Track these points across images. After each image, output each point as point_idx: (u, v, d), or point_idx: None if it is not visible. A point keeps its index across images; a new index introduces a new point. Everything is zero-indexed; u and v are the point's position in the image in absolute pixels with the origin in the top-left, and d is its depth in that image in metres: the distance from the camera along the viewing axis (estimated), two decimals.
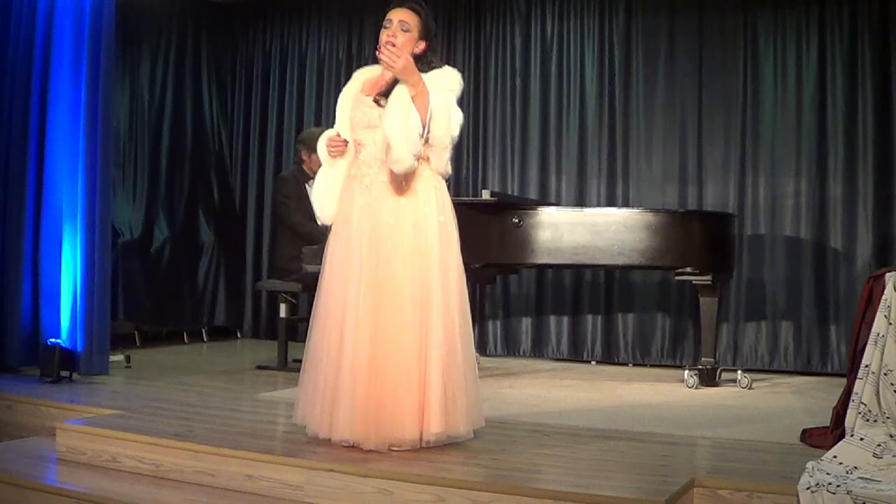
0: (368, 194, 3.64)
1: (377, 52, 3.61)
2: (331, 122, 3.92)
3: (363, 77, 3.84)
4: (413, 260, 3.57)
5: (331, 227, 3.81)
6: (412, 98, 3.56)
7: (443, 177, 3.71)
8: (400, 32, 3.66)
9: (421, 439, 3.53)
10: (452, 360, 3.55)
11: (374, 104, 3.68)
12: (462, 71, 7.56)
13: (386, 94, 3.66)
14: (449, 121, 3.62)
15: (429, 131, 3.57)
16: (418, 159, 3.58)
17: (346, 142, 3.73)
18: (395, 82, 3.65)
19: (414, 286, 3.55)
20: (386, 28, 3.69)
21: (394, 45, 3.59)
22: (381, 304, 3.54)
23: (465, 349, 3.62)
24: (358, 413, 3.49)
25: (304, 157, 6.19)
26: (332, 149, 3.75)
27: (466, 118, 7.22)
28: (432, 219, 3.63)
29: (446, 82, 3.68)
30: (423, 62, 3.69)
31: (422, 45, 3.70)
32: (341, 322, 3.57)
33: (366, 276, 3.55)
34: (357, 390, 3.49)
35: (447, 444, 3.60)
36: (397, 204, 3.61)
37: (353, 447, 3.53)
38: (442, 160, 3.65)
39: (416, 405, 3.50)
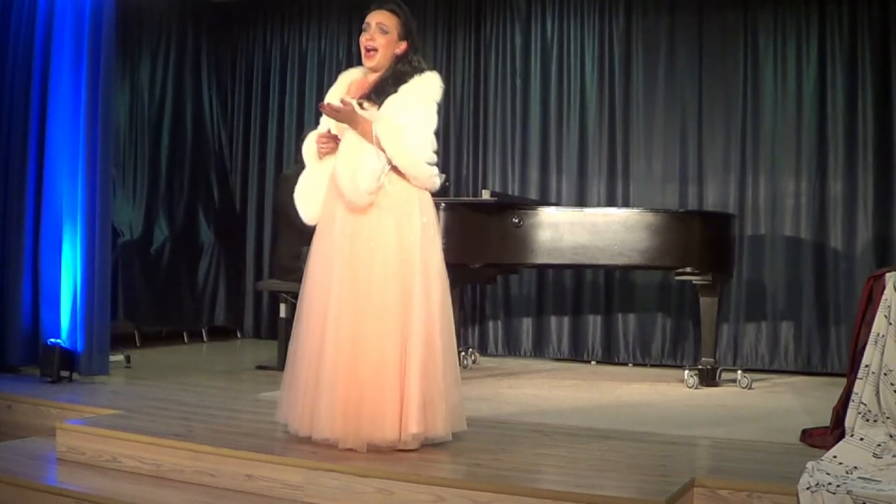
0: None
1: (319, 106, 3.64)
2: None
3: (348, 79, 3.86)
4: (394, 261, 3.57)
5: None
6: (361, 134, 3.58)
7: (429, 191, 3.70)
8: (378, 34, 3.69)
9: (399, 440, 3.52)
10: (432, 361, 3.54)
11: (358, 107, 3.66)
12: (462, 71, 7.58)
13: (369, 96, 3.68)
14: (399, 143, 3.56)
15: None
16: (378, 188, 3.56)
17: (336, 138, 3.71)
18: (378, 84, 3.68)
19: (395, 286, 3.55)
20: (364, 31, 3.73)
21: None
22: (361, 304, 3.54)
23: (446, 351, 3.60)
24: (338, 412, 3.49)
25: None
26: (321, 146, 3.73)
27: (467, 118, 7.35)
28: (415, 219, 3.62)
29: (422, 93, 3.66)
30: (405, 62, 3.71)
31: (403, 46, 3.72)
32: (322, 322, 3.57)
33: (347, 277, 3.56)
34: (337, 389, 3.50)
35: (447, 444, 3.60)
36: (380, 205, 3.60)
37: (333, 446, 3.52)
38: (418, 181, 3.64)
39: (395, 405, 3.50)
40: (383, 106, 3.63)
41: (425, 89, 3.67)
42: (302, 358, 3.63)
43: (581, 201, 6.90)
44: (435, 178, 3.70)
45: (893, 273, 3.67)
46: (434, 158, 3.68)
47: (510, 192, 7.07)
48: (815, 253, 6.36)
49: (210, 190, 7.92)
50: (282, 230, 6.34)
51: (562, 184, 7.04)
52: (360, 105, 3.66)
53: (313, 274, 3.69)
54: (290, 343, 3.74)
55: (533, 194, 7.07)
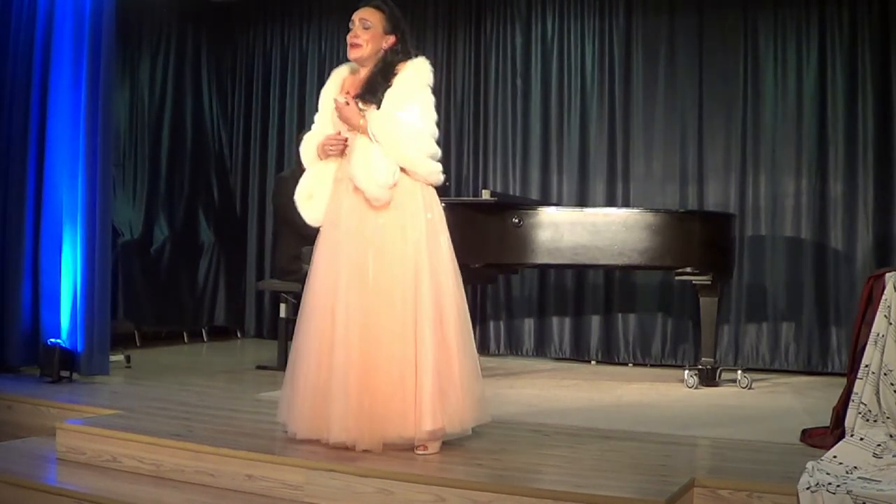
0: (355, 196, 3.62)
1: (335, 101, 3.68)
2: None
3: (342, 75, 3.89)
4: (400, 258, 3.56)
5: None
6: (363, 133, 3.62)
7: (433, 186, 3.70)
8: (361, 31, 3.73)
9: (415, 437, 3.51)
10: (445, 357, 3.53)
11: (354, 107, 3.68)
12: (462, 71, 7.58)
13: (363, 95, 3.68)
14: (395, 141, 3.58)
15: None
16: (395, 181, 3.58)
17: (346, 140, 3.70)
18: (369, 81, 3.70)
19: (402, 284, 3.54)
20: (350, 29, 3.78)
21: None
22: (370, 303, 3.52)
23: (462, 345, 3.60)
24: (351, 414, 3.47)
25: None
26: (331, 148, 3.72)
27: (467, 118, 7.35)
28: (419, 216, 3.62)
29: (415, 82, 3.66)
30: (395, 53, 3.73)
31: (390, 40, 3.74)
32: (329, 324, 3.55)
33: (354, 276, 3.54)
34: (349, 391, 3.48)
35: (447, 444, 3.59)
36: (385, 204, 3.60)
37: (347, 448, 3.50)
38: (419, 177, 3.64)
39: (409, 404, 3.48)
40: (383, 103, 3.64)
41: (416, 76, 3.68)
42: (308, 359, 3.60)
43: (582, 201, 6.90)
44: (439, 174, 3.69)
45: (893, 273, 3.67)
46: (436, 152, 3.68)
47: (512, 193, 7.07)
48: (816, 253, 6.36)
49: (210, 190, 7.93)
50: (281, 231, 6.34)
51: (562, 184, 7.04)
52: (357, 105, 3.66)
53: (316, 276, 3.67)
54: (293, 343, 3.73)
55: (534, 194, 7.07)
